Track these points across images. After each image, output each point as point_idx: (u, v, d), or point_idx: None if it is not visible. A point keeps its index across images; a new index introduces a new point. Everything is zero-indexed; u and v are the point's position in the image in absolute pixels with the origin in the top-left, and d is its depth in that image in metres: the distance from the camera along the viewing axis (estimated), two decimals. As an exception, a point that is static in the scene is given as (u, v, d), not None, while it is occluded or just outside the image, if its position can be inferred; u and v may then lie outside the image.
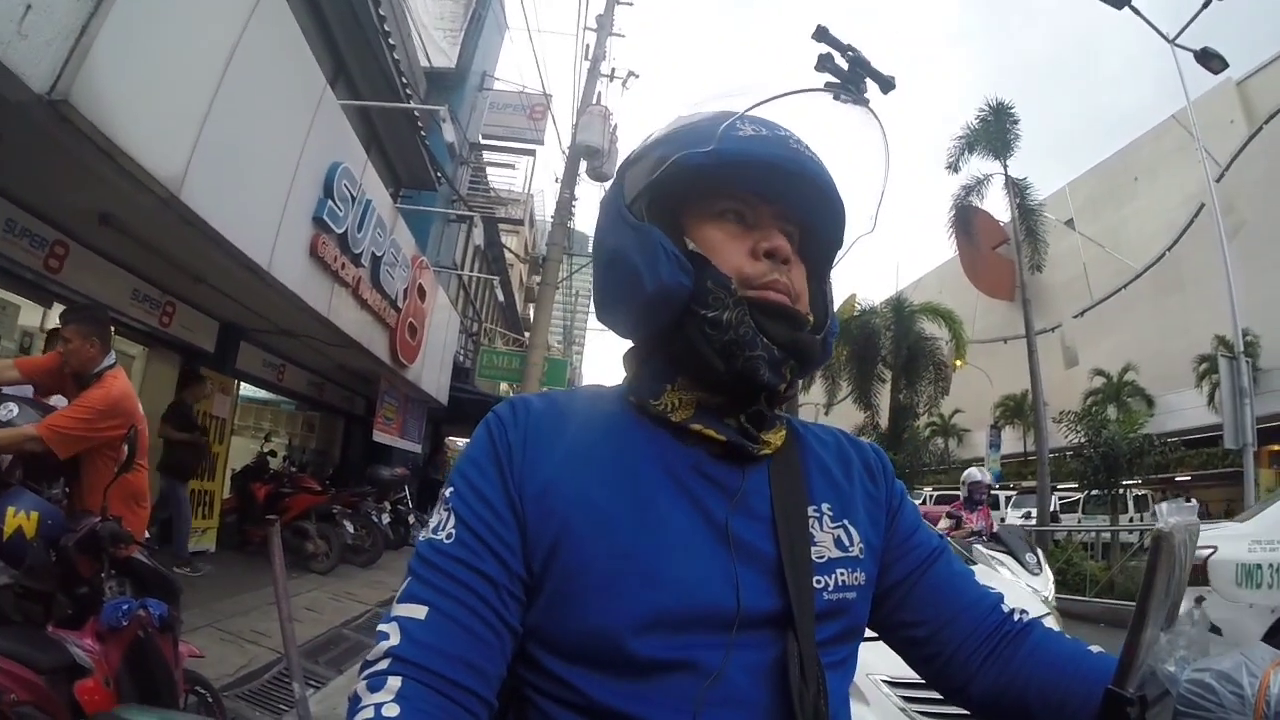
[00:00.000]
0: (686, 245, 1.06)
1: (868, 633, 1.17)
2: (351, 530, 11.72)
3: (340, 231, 8.87)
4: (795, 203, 1.10)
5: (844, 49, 1.10)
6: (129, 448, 3.78)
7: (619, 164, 1.21)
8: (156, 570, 3.70)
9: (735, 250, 1.06)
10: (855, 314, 30.53)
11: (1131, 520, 22.49)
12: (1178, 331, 37.38)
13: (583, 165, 14.51)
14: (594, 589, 0.95)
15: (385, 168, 14.66)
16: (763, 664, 0.96)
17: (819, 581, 1.04)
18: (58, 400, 4.05)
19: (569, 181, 14.90)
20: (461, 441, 25.62)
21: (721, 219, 1.08)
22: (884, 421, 29.67)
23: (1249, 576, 6.53)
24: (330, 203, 8.42)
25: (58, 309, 7.19)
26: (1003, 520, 19.29)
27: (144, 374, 10.23)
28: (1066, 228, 36.02)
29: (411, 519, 14.68)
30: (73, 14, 4.36)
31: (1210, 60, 16.28)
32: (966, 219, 29.73)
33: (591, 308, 1.28)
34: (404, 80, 13.11)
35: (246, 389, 13.36)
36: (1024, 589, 7.02)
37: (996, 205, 29.67)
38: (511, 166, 26.07)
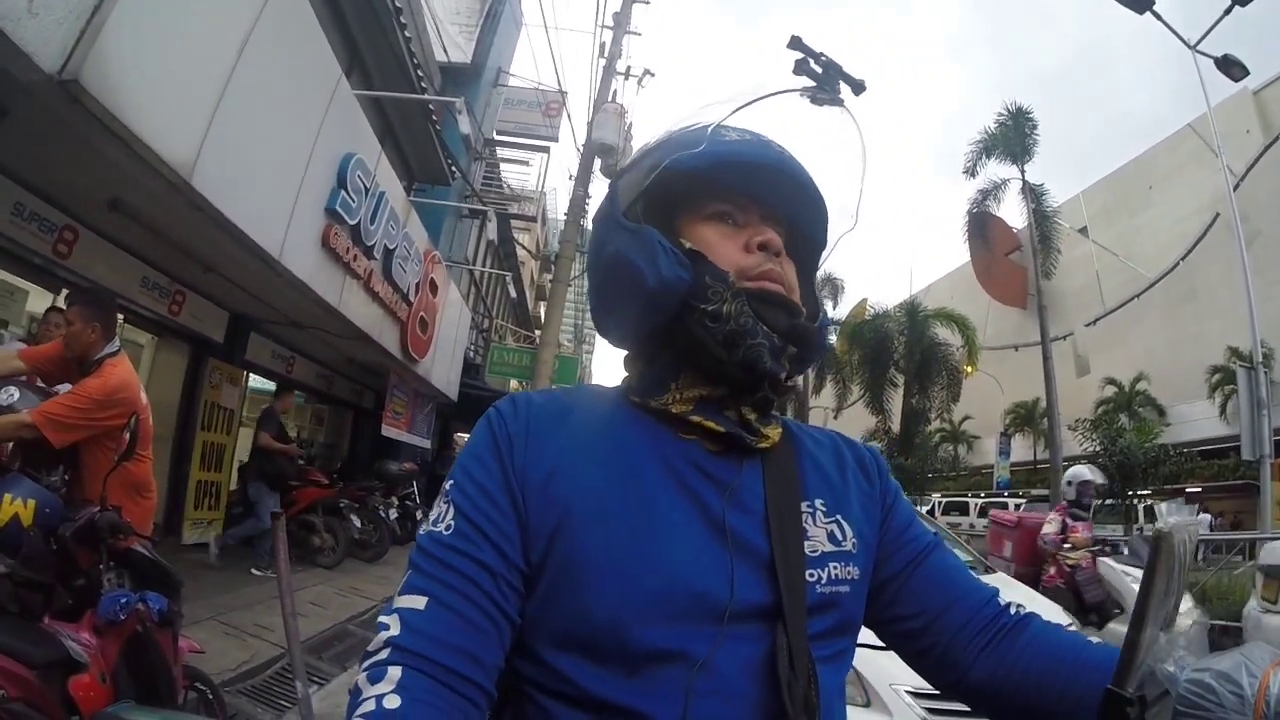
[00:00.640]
0: (682, 245, 1.10)
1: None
2: (358, 525, 11.66)
3: (353, 223, 8.84)
4: (781, 202, 1.16)
5: (816, 56, 1.16)
6: (130, 436, 3.66)
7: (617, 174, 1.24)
8: (156, 563, 3.58)
9: (730, 246, 1.11)
10: (868, 318, 30.55)
11: (1141, 531, 22.37)
12: (1189, 342, 37.39)
13: (597, 163, 14.43)
14: (592, 576, 0.97)
15: (399, 161, 14.58)
16: (755, 656, 0.97)
17: (811, 575, 1.05)
18: (64, 388, 3.95)
19: (583, 179, 14.85)
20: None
21: (713, 220, 1.14)
22: (896, 426, 29.70)
23: None
24: (343, 193, 8.37)
25: (66, 295, 7.15)
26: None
27: (153, 363, 10.27)
28: (1079, 235, 35.96)
29: (419, 514, 14.58)
30: None
31: (1231, 67, 16.15)
32: (981, 225, 29.71)
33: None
34: (420, 74, 13.07)
35: (255, 380, 13.24)
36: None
37: (1011, 211, 29.63)
38: (525, 163, 26.08)
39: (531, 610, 1.01)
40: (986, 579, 5.64)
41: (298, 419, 17.29)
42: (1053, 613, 5.29)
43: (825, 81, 1.15)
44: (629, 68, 17.33)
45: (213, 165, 5.60)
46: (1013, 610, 1.17)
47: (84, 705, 2.81)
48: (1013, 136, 25.10)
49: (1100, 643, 1.08)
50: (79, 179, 6.15)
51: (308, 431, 17.58)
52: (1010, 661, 1.10)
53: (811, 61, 1.16)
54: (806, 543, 1.07)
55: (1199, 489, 34.16)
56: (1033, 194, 25.34)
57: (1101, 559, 8.08)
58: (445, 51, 17.58)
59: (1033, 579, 8.09)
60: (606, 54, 15.99)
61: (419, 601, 0.95)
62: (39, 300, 7.77)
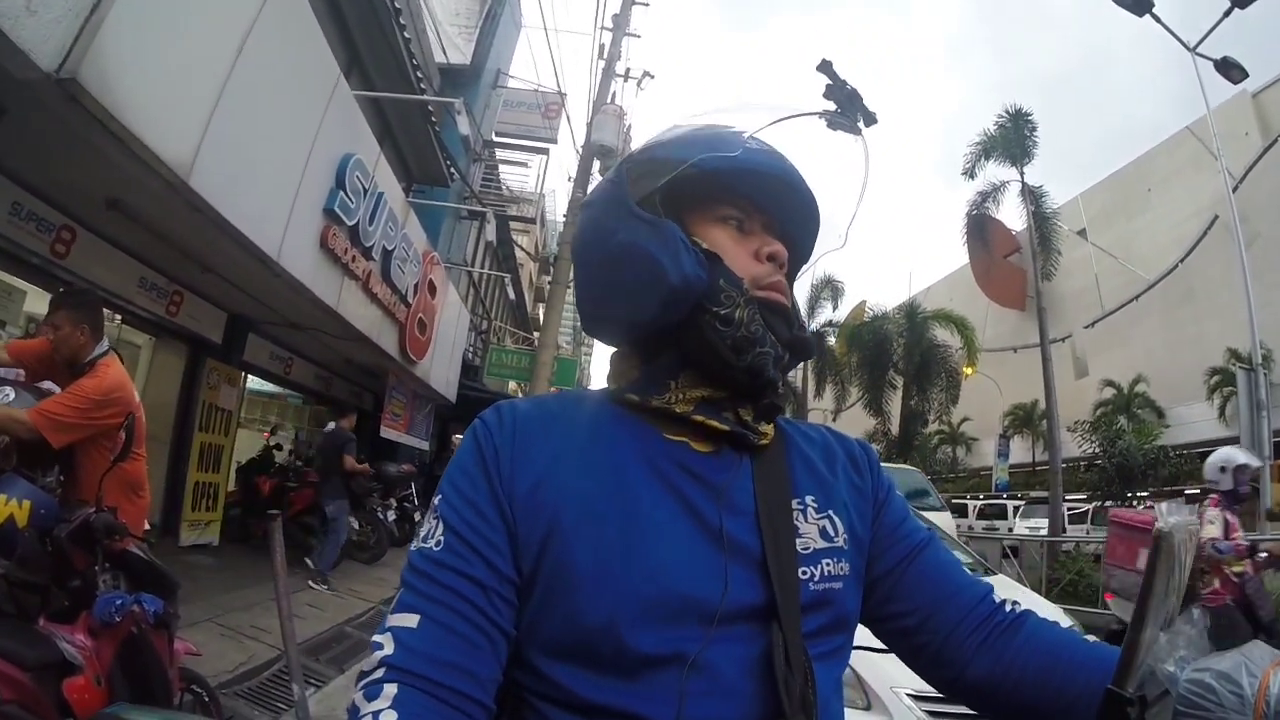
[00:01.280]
0: (699, 244, 1.10)
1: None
2: (356, 527, 11.66)
3: (351, 224, 8.84)
4: (782, 215, 1.18)
5: (842, 84, 1.17)
6: (126, 436, 3.64)
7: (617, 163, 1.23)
8: (152, 564, 3.55)
9: (741, 253, 1.12)
10: (866, 320, 30.56)
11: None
12: (1188, 344, 37.41)
13: (596, 164, 14.46)
14: (583, 583, 0.97)
15: (398, 162, 14.60)
16: (750, 655, 0.97)
17: (804, 572, 1.05)
18: (50, 386, 3.91)
19: (582, 181, 14.85)
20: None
21: (723, 223, 1.14)
22: (895, 428, 29.70)
23: None
24: (342, 194, 8.38)
25: (51, 298, 7.17)
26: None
27: (150, 363, 10.31)
28: (1078, 238, 35.98)
29: (417, 516, 14.60)
30: None
31: (1230, 69, 16.19)
32: (980, 227, 29.72)
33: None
34: (419, 75, 13.08)
35: (253, 381, 13.34)
36: None
37: (1010, 214, 29.66)
38: (525, 165, 26.14)
39: (525, 619, 1.01)
40: (987, 580, 5.69)
41: (296, 420, 17.30)
42: (1052, 614, 5.24)
43: (847, 109, 1.16)
44: (628, 69, 17.40)
45: (211, 165, 5.60)
46: (1008, 607, 1.17)
47: (78, 708, 2.79)
48: (1012, 138, 25.01)
49: (1096, 640, 1.09)
50: (77, 178, 6.14)
51: (306, 433, 17.61)
52: (1008, 659, 1.10)
53: (837, 89, 1.17)
54: (798, 540, 1.07)
55: (1196, 490, 34.16)
56: (1032, 196, 25.24)
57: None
58: (444, 53, 17.59)
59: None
60: (606, 56, 16.05)
61: (412, 620, 0.96)
62: (37, 300, 7.71)
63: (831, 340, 33.14)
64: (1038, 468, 39.51)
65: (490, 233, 16.86)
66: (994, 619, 1.14)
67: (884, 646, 1.24)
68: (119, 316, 8.83)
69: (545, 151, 24.31)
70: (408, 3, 13.60)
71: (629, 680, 0.95)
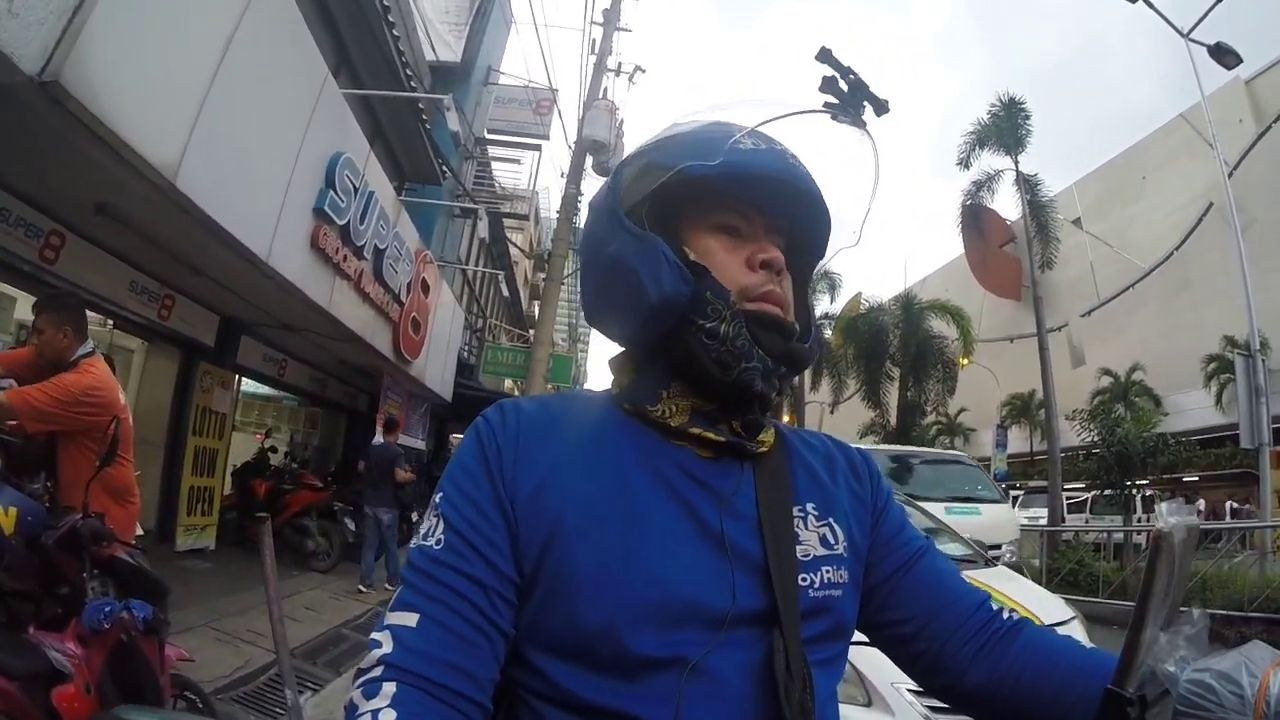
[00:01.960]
0: (687, 255, 1.09)
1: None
2: (353, 527, 11.68)
3: (342, 223, 8.79)
4: (786, 215, 1.14)
5: (845, 72, 1.13)
6: (112, 440, 3.62)
7: (615, 165, 1.22)
8: (140, 570, 3.53)
9: (732, 261, 1.09)
10: (862, 312, 30.61)
11: (1139, 520, 22.35)
12: (1184, 331, 37.52)
13: (589, 160, 14.46)
14: (586, 585, 0.96)
15: (389, 161, 14.59)
16: (750, 661, 0.97)
17: (804, 579, 1.05)
18: None
19: (575, 177, 14.87)
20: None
21: (719, 230, 1.11)
22: (893, 420, 29.77)
23: None
24: (332, 193, 8.33)
25: (34, 303, 7.16)
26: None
27: (143, 368, 10.33)
28: (1073, 227, 36.02)
29: (415, 516, 14.61)
30: None
31: (1224, 55, 16.23)
32: (975, 217, 29.79)
33: (594, 306, 1.31)
34: (409, 73, 13.08)
35: (247, 384, 13.35)
36: None
37: (1006, 203, 29.72)
38: (517, 161, 26.08)
39: (527, 619, 1.00)
40: (986, 573, 5.41)
41: (291, 422, 17.31)
42: (1054, 604, 5.31)
43: (850, 100, 1.13)
44: (619, 64, 17.38)
45: (198, 166, 5.56)
46: (1005, 615, 1.17)
47: (67, 716, 2.77)
48: (1005, 127, 25.10)
49: (1093, 647, 1.10)
50: (65, 183, 6.10)
51: (301, 435, 17.68)
52: (1004, 666, 1.10)
53: (839, 78, 1.14)
54: (799, 547, 1.07)
55: (1195, 478, 34.30)
56: (1027, 184, 25.32)
57: None
58: (434, 51, 17.55)
59: None
60: (597, 51, 16.02)
61: (410, 618, 0.95)
62: (27, 307, 7.70)
63: (828, 333, 33.24)
64: (1036, 457, 39.56)
65: (483, 230, 16.93)
66: (991, 626, 1.15)
67: None
68: (110, 321, 8.84)
69: (538, 148, 24.29)
70: (396, 1, 13.51)
71: (628, 682, 0.95)
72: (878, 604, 1.18)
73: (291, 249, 7.73)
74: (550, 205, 32.57)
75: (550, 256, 15.23)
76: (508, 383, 22.56)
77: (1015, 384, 40.65)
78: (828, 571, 1.08)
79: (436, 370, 15.09)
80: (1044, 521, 20.98)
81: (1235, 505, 29.25)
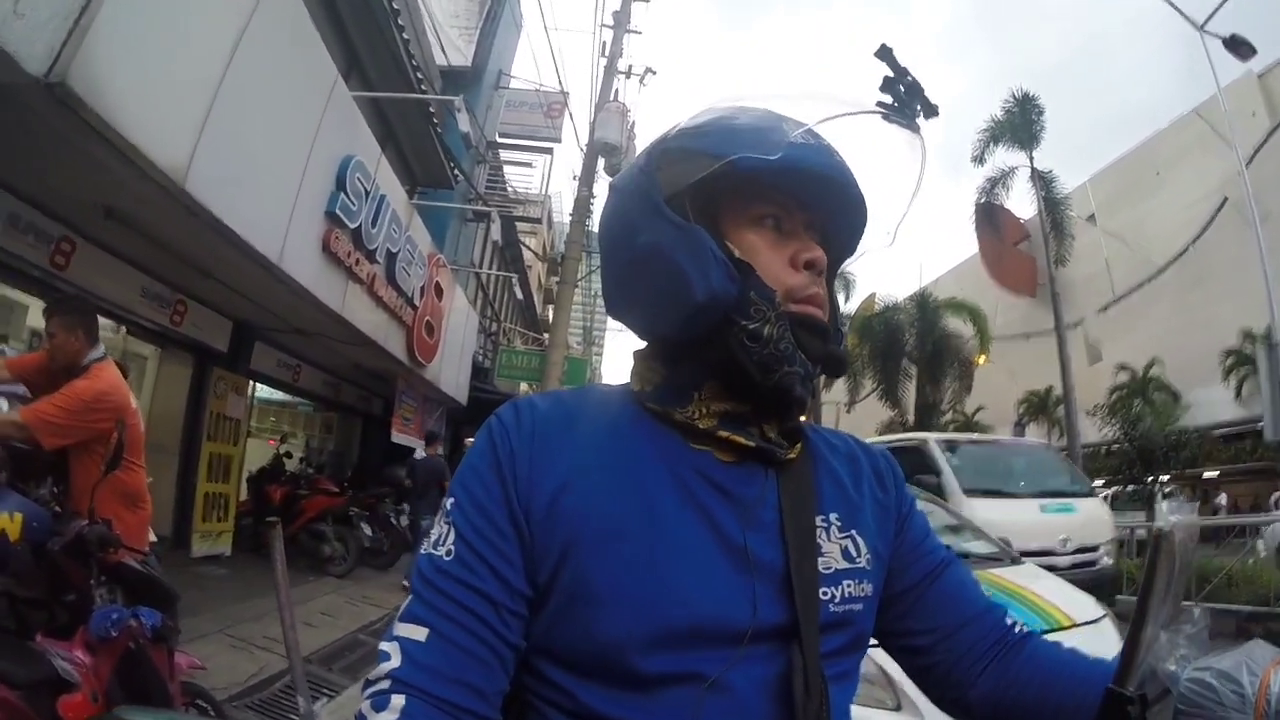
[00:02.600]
0: (731, 251, 1.04)
1: None
2: (369, 532, 11.76)
3: (354, 226, 8.85)
4: (825, 213, 1.11)
5: (903, 73, 1.07)
6: (118, 443, 3.61)
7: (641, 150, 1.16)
8: (149, 576, 3.52)
9: (776, 260, 1.05)
10: (877, 311, 30.68)
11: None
12: (1202, 326, 37.39)
13: (600, 163, 14.50)
14: (601, 603, 0.95)
15: (401, 166, 14.64)
16: (767, 676, 0.96)
17: (825, 593, 1.03)
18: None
19: (587, 179, 14.97)
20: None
21: (760, 225, 1.07)
22: (911, 418, 29.77)
23: None
24: (343, 196, 8.38)
25: (44, 308, 7.22)
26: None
27: (157, 374, 10.44)
28: (1088, 223, 36.01)
29: (429, 521, 14.74)
30: None
31: (1239, 47, 16.14)
32: (989, 215, 29.88)
33: (612, 306, 1.27)
34: (419, 76, 13.13)
35: (262, 390, 13.45)
36: None
37: (1021, 200, 29.80)
38: (529, 165, 26.21)
39: (538, 629, 0.99)
40: (1014, 570, 5.35)
41: (306, 427, 17.43)
42: (1084, 603, 5.14)
43: (907, 103, 1.06)
44: (630, 66, 17.38)
45: (207, 169, 5.59)
46: (1016, 629, 1.17)
47: (75, 726, 2.72)
48: (1019, 124, 25.20)
49: (1097, 658, 1.08)
50: (73, 187, 6.12)
51: (316, 439, 17.84)
52: (1009, 678, 1.10)
53: (898, 80, 1.07)
54: (820, 559, 1.05)
55: (1216, 473, 34.15)
56: (1042, 180, 25.38)
57: None
58: (445, 55, 17.67)
59: None
60: (607, 53, 16.05)
61: (419, 632, 0.94)
62: (39, 314, 7.73)
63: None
64: (1056, 454, 39.54)
65: (496, 233, 16.95)
66: (1003, 641, 1.14)
67: None
68: (123, 328, 8.92)
69: (549, 151, 24.40)
70: (406, 4, 13.63)
71: (642, 696, 0.93)
72: (896, 614, 1.17)
73: (303, 252, 7.77)
74: (563, 209, 32.82)
75: (564, 259, 15.28)
76: (523, 386, 22.68)
77: (1031, 381, 40.64)
78: (849, 585, 1.06)
79: (451, 374, 15.15)
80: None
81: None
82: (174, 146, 5.31)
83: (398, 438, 14.31)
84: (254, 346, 11.43)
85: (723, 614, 0.96)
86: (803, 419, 1.16)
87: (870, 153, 1.09)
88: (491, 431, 1.07)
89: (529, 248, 29.63)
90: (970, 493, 9.04)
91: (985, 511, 8.21)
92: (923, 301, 29.87)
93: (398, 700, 0.88)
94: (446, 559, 0.98)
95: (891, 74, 1.06)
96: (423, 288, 12.12)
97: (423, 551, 1.02)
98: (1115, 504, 26.07)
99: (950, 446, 10.27)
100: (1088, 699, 0.94)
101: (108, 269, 7.68)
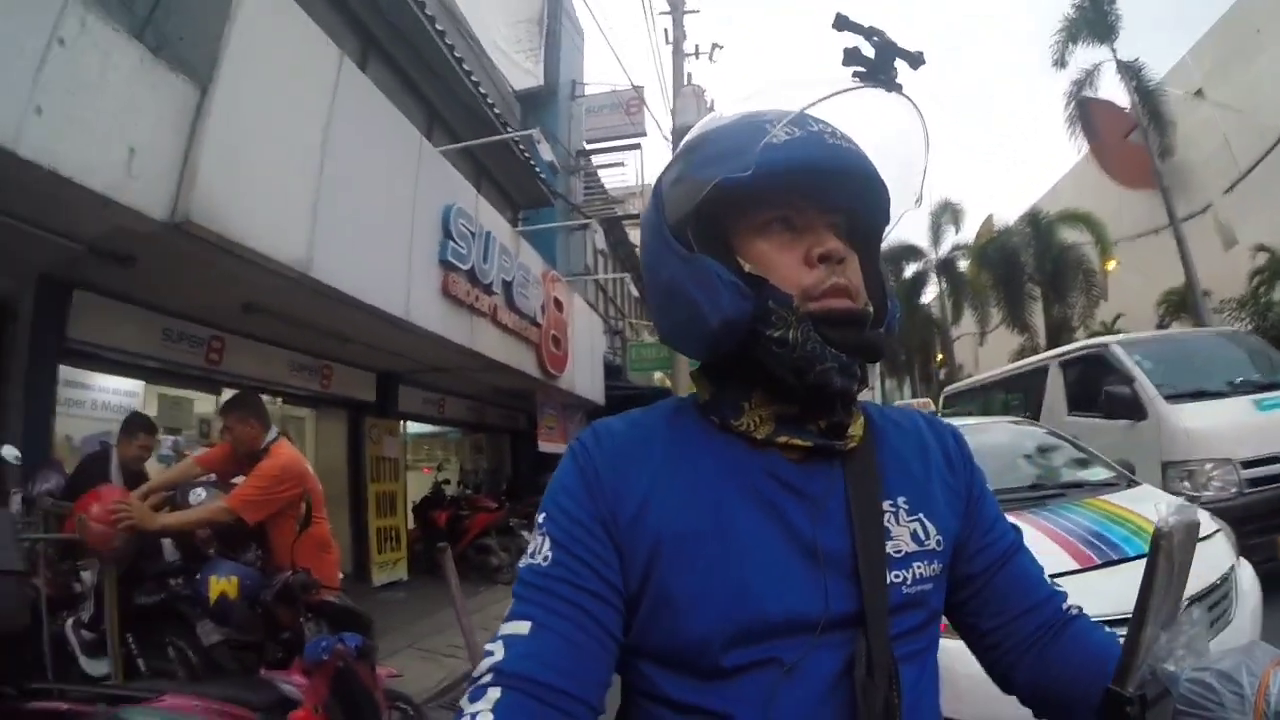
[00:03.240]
0: (742, 266, 1.06)
1: None
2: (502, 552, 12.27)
3: (467, 268, 9.25)
4: (838, 195, 1.08)
5: (868, 33, 1.05)
6: (306, 507, 4.37)
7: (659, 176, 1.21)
8: (347, 607, 4.31)
9: (789, 262, 1.05)
10: (991, 237, 29.84)
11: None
12: (1344, 186, 34.91)
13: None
14: (684, 608, 0.99)
15: (499, 196, 15.04)
16: (836, 663, 0.99)
17: (897, 576, 1.05)
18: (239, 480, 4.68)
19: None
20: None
21: (769, 229, 1.07)
22: (1042, 342, 28.43)
23: None
24: (451, 243, 8.83)
25: (227, 393, 7.92)
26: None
27: (316, 432, 11.12)
28: (1197, 99, 33.86)
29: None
30: (173, 145, 4.93)
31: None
32: (1087, 113, 28.62)
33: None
34: (496, 111, 13.48)
35: (412, 426, 14.03)
36: None
37: (1116, 93, 28.46)
38: (621, 165, 26.25)
39: (632, 631, 1.04)
40: (1125, 495, 5.13)
41: (458, 452, 18.05)
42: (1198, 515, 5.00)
43: (879, 65, 1.04)
44: (696, 46, 17.45)
45: (325, 253, 6.13)
46: (1064, 608, 1.19)
47: (304, 736, 3.40)
48: (1093, 17, 24.28)
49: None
50: (213, 295, 6.76)
51: (469, 462, 18.35)
52: (1048, 660, 1.13)
53: (862, 44, 1.05)
54: (889, 543, 1.07)
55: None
56: (1130, 72, 24.39)
57: None
58: (516, 80, 18.05)
59: None
60: (671, 39, 16.32)
61: (523, 627, 0.97)
62: (204, 405, 8.72)
63: (963, 265, 32.58)
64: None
65: (600, 241, 17.11)
66: (1050, 622, 1.17)
67: None
68: (279, 399, 9.59)
69: (637, 146, 24.44)
70: (469, 47, 13.96)
71: (723, 683, 0.98)
72: (962, 597, 1.19)
73: (426, 302, 8.24)
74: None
75: None
76: (657, 375, 22.80)
77: (1170, 279, 38.42)
78: (919, 567, 1.07)
79: (585, 378, 15.34)
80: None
81: None
82: (293, 243, 5.83)
83: (544, 447, 14.69)
84: (399, 390, 12.00)
85: (797, 609, 0.99)
86: (862, 402, 1.19)
87: (869, 124, 1.10)
88: (575, 455, 1.10)
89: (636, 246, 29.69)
90: (1173, 398, 7.73)
91: (1195, 418, 7.37)
92: (1034, 220, 28.79)
93: (494, 692, 0.91)
94: (545, 564, 1.02)
95: (855, 42, 1.06)
96: (542, 306, 12.50)
97: (521, 564, 1.05)
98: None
99: (1138, 347, 8.83)
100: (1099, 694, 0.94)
101: (255, 355, 8.40)
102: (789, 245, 1.06)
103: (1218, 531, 4.63)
